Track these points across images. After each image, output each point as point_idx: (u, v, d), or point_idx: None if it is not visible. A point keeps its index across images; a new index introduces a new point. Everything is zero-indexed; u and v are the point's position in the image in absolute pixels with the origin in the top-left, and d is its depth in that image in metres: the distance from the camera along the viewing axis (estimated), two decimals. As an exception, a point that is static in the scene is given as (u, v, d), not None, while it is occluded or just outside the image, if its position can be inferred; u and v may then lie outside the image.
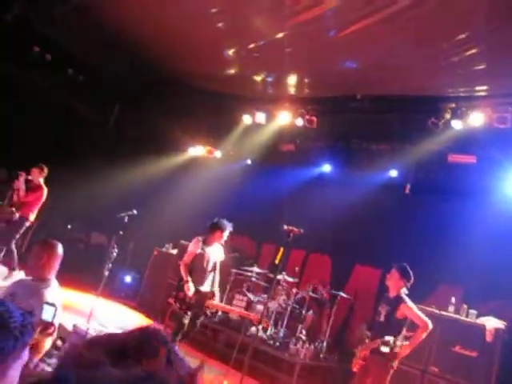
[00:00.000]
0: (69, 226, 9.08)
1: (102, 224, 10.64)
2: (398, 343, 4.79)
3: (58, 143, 10.45)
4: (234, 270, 8.62)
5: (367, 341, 5.11)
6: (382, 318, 5.04)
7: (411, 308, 4.93)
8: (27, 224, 8.00)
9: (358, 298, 8.46)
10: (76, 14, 8.02)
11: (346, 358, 7.37)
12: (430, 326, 4.83)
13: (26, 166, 8.12)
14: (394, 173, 8.96)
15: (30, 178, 8.01)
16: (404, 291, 5.04)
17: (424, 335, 4.87)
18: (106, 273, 6.36)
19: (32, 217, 8.01)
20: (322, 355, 7.38)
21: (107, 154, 11.04)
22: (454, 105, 7.31)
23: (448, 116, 7.31)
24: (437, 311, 6.35)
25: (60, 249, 3.76)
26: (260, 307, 7.56)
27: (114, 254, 6.64)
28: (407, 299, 4.98)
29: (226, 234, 6.23)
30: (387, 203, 8.80)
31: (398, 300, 4.99)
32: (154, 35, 8.47)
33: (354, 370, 5.05)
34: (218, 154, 11.30)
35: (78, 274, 8.37)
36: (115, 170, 10.17)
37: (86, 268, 9.14)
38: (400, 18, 5.83)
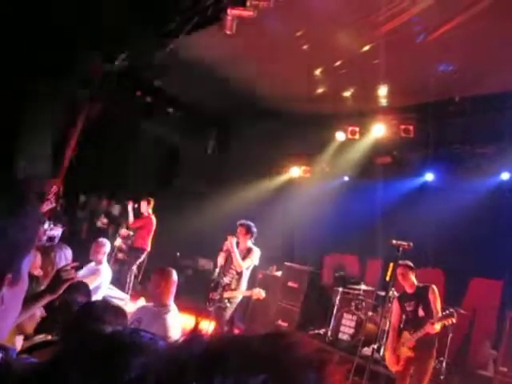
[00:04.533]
0: (178, 254, 9.63)
1: (207, 249, 11.09)
2: None
3: (164, 177, 11.20)
4: (340, 289, 8.46)
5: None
6: None
7: None
8: (143, 255, 8.54)
9: (478, 314, 7.83)
10: (171, 56, 8.64)
11: (468, 379, 6.84)
12: None
13: (138, 201, 8.83)
14: (505, 176, 8.27)
15: (135, 206, 8.72)
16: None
17: None
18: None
19: (147, 247, 8.59)
20: (441, 376, 6.90)
21: (207, 182, 11.57)
22: None
23: None
24: None
25: (174, 275, 4.03)
26: (371, 326, 7.32)
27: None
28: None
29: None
30: (501, 208, 8.11)
31: None
32: (244, 66, 8.81)
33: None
34: (314, 173, 11.30)
35: (189, 299, 8.78)
36: (216, 196, 10.60)
37: (196, 292, 9.54)
38: (494, 9, 5.48)
